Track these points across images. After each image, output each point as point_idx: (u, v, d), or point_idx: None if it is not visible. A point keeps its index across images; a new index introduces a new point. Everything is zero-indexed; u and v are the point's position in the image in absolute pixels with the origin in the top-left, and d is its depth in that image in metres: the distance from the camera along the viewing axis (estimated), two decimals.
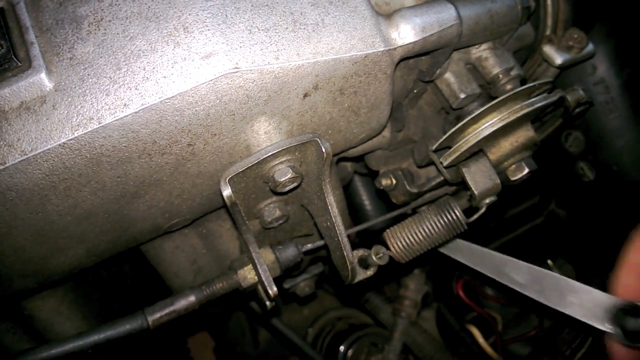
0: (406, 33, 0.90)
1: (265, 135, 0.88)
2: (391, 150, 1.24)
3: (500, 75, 1.06)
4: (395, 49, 0.90)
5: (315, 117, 0.93)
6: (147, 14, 0.78)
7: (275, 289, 0.90)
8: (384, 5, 1.00)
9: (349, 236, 0.96)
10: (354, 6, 0.87)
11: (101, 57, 0.76)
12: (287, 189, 0.89)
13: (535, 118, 1.11)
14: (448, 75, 1.06)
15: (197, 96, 0.77)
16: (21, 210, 0.80)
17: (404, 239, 1.05)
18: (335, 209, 0.92)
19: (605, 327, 0.90)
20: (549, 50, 1.21)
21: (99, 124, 0.74)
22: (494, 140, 1.03)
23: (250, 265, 0.95)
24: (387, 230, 1.07)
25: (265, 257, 0.96)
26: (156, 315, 0.91)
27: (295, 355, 1.96)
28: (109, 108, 0.75)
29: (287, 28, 0.82)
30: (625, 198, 1.46)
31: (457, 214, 1.04)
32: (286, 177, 0.86)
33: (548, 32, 1.25)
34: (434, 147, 1.03)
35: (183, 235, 1.21)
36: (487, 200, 1.05)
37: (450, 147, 1.01)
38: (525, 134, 1.04)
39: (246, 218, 0.93)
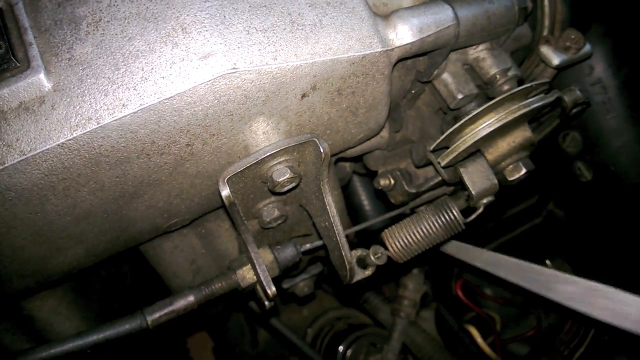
0: (404, 34, 0.91)
1: (263, 136, 0.88)
2: (389, 151, 1.24)
3: (498, 76, 1.06)
4: (392, 49, 0.90)
5: (313, 118, 0.93)
6: (145, 14, 0.78)
7: (274, 289, 0.90)
8: (382, 6, 1.00)
9: (347, 236, 0.96)
10: (352, 7, 0.87)
11: (100, 58, 0.76)
12: (286, 189, 0.89)
13: (532, 118, 1.11)
14: (446, 76, 1.06)
15: (196, 96, 0.78)
16: (20, 210, 0.80)
17: (402, 239, 1.05)
18: (333, 209, 0.92)
19: None
20: (546, 50, 1.21)
21: (98, 124, 0.75)
22: (491, 141, 1.04)
23: (249, 265, 0.95)
24: (386, 230, 1.07)
25: (264, 257, 0.96)
26: (155, 315, 0.91)
27: (294, 355, 1.96)
28: (107, 108, 0.75)
29: (285, 29, 0.82)
30: (622, 198, 1.46)
31: (455, 214, 1.04)
32: (284, 177, 0.86)
33: (545, 32, 1.25)
34: (431, 148, 1.04)
35: (182, 235, 1.21)
36: (485, 201, 1.05)
37: (448, 148, 1.02)
38: (523, 134, 1.04)
39: (245, 218, 0.93)
